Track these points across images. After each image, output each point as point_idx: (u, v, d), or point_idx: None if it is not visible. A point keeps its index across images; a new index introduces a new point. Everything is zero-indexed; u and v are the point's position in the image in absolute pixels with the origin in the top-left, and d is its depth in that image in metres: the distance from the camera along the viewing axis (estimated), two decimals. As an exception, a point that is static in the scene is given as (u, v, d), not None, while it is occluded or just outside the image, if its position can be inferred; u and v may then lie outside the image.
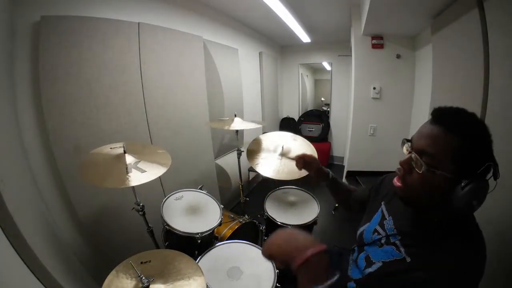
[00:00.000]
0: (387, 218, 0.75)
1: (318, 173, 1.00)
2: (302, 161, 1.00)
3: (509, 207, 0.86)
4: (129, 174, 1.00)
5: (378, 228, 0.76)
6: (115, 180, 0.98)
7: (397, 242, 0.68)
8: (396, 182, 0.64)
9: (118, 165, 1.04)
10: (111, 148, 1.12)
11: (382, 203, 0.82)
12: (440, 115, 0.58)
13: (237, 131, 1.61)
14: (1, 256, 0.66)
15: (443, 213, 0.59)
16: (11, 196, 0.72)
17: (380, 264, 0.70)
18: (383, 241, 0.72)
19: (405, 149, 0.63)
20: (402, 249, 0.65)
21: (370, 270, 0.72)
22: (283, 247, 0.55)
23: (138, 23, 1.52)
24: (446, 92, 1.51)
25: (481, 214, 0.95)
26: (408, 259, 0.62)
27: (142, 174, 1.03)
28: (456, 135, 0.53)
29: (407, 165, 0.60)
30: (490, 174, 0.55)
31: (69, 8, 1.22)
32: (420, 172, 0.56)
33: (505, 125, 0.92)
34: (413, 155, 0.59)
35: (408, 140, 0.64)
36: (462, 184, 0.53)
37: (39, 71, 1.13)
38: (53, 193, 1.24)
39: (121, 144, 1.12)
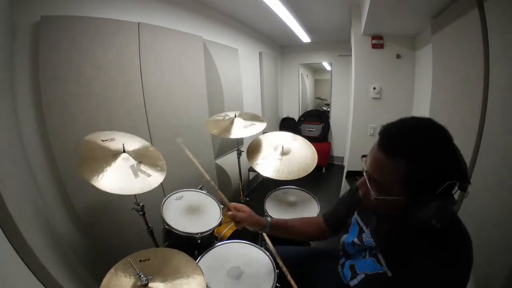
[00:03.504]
0: (365, 231, 0.73)
1: (255, 223, 0.91)
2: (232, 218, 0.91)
3: (510, 207, 0.86)
4: (136, 178, 0.99)
5: (357, 241, 0.74)
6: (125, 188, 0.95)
7: (378, 254, 0.66)
8: (362, 197, 0.64)
9: (122, 169, 1.00)
10: (102, 140, 1.06)
11: (355, 212, 0.80)
12: (383, 139, 0.55)
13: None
14: (1, 256, 0.66)
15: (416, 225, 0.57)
16: (11, 196, 0.72)
17: (363, 276, 0.70)
18: (366, 251, 0.72)
19: (363, 166, 0.62)
20: (383, 262, 0.64)
21: (354, 282, 0.71)
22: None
23: (138, 23, 1.52)
24: (446, 92, 1.51)
25: (481, 214, 0.95)
26: (389, 274, 0.61)
27: (149, 178, 1.03)
28: (399, 159, 0.50)
29: (364, 187, 0.60)
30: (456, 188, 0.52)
31: (69, 8, 1.22)
32: (372, 199, 0.56)
33: (505, 125, 0.92)
34: (366, 179, 0.58)
35: (364, 156, 0.62)
36: (419, 205, 0.51)
37: (39, 71, 1.13)
38: (53, 193, 1.24)
39: (111, 137, 1.09)
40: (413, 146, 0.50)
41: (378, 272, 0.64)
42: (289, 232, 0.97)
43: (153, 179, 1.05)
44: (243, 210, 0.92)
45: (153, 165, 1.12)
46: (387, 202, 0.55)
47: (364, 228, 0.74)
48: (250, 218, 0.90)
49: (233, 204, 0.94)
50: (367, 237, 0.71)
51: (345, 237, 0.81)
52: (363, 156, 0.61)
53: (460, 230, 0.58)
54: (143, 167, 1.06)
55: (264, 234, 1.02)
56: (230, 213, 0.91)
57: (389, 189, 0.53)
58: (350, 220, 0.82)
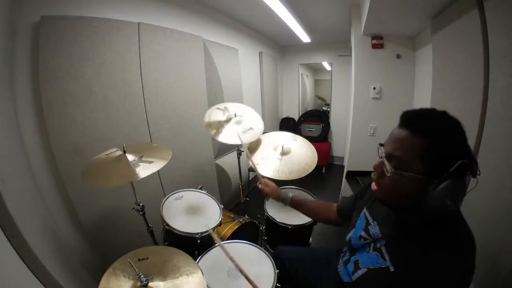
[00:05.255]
0: (372, 224, 0.75)
1: (278, 197, 1.13)
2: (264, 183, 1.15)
3: (510, 207, 0.86)
4: (137, 169, 1.04)
5: (364, 234, 0.76)
6: (122, 177, 1.02)
7: (382, 248, 0.67)
8: (374, 185, 0.66)
9: (122, 164, 1.06)
10: (106, 154, 1.13)
11: (364, 207, 0.82)
12: (406, 118, 0.59)
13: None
14: (1, 256, 0.66)
15: (424, 214, 0.58)
16: (11, 196, 0.72)
17: (365, 270, 0.70)
18: (370, 246, 0.72)
19: (380, 154, 0.64)
20: (386, 256, 0.65)
21: (356, 276, 0.72)
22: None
23: (138, 23, 1.52)
24: (446, 92, 1.51)
25: (481, 214, 0.95)
26: (392, 269, 0.62)
27: (150, 164, 1.08)
28: (421, 136, 0.54)
29: (379, 168, 0.62)
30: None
31: (69, 8, 1.23)
32: (389, 175, 0.58)
33: (505, 125, 0.92)
34: (383, 159, 0.61)
35: (382, 145, 0.65)
36: (434, 184, 0.53)
37: (39, 71, 1.13)
38: (53, 193, 1.24)
39: (115, 149, 1.15)
40: (434, 125, 0.55)
41: (381, 266, 0.65)
42: (306, 211, 1.13)
43: (155, 164, 1.09)
44: (270, 186, 1.14)
45: (155, 156, 1.15)
46: (403, 181, 0.57)
47: (371, 221, 0.76)
48: (274, 192, 1.13)
49: (264, 180, 1.17)
50: (374, 229, 0.72)
51: (352, 233, 0.82)
52: (380, 144, 0.65)
53: (464, 226, 0.60)
54: (144, 158, 1.11)
55: (214, 235, 1.03)
56: (260, 186, 1.15)
57: (408, 165, 0.55)
58: (358, 215, 0.83)
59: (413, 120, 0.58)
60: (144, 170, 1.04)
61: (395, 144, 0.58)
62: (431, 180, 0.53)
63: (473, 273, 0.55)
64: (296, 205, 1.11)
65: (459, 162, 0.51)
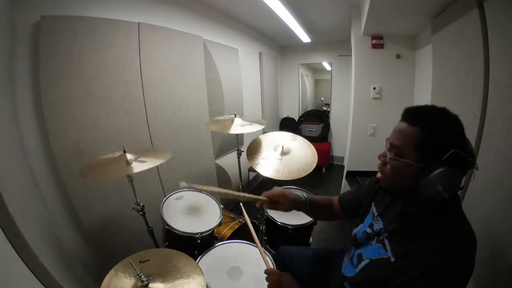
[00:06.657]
0: (376, 218, 0.77)
1: (293, 207, 0.90)
2: (270, 201, 0.87)
3: (510, 207, 0.86)
4: (131, 165, 1.03)
5: (369, 230, 0.78)
6: (117, 172, 1.01)
7: (385, 240, 0.69)
8: (378, 174, 0.71)
9: (120, 161, 1.06)
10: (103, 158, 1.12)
11: (373, 203, 0.84)
12: (407, 113, 0.65)
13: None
14: (1, 256, 0.66)
15: (421, 202, 0.62)
16: (11, 196, 0.72)
17: (367, 261, 0.72)
18: (374, 239, 0.74)
19: (386, 145, 0.70)
20: (388, 247, 0.67)
21: (359, 267, 0.74)
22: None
23: (138, 23, 1.52)
24: (446, 92, 1.51)
25: (481, 212, 0.95)
26: (393, 259, 0.64)
27: (143, 164, 1.06)
28: (418, 127, 0.59)
29: (383, 157, 0.68)
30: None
31: (69, 8, 1.22)
32: (388, 161, 0.65)
33: (506, 125, 0.92)
34: (386, 148, 0.68)
35: (387, 139, 0.71)
36: (428, 171, 0.56)
37: (39, 71, 1.13)
38: (53, 193, 1.24)
39: (115, 154, 1.13)
40: (429, 117, 0.60)
41: (382, 257, 0.67)
42: (319, 211, 1.00)
43: (148, 163, 1.06)
44: (282, 200, 0.87)
45: (153, 156, 1.14)
46: (400, 168, 0.62)
47: (376, 215, 0.78)
48: (290, 206, 0.89)
49: (266, 193, 0.87)
50: (378, 224, 0.75)
51: (359, 228, 0.84)
52: (387, 138, 0.70)
53: (463, 219, 0.62)
54: (140, 158, 1.10)
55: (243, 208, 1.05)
56: (259, 204, 0.87)
57: (405, 152, 0.61)
58: (367, 211, 0.85)
59: (412, 113, 0.63)
60: (140, 165, 1.03)
61: (396, 135, 0.65)
62: (425, 167, 0.57)
63: (473, 261, 0.57)
64: (311, 207, 0.95)
65: (451, 151, 0.54)
